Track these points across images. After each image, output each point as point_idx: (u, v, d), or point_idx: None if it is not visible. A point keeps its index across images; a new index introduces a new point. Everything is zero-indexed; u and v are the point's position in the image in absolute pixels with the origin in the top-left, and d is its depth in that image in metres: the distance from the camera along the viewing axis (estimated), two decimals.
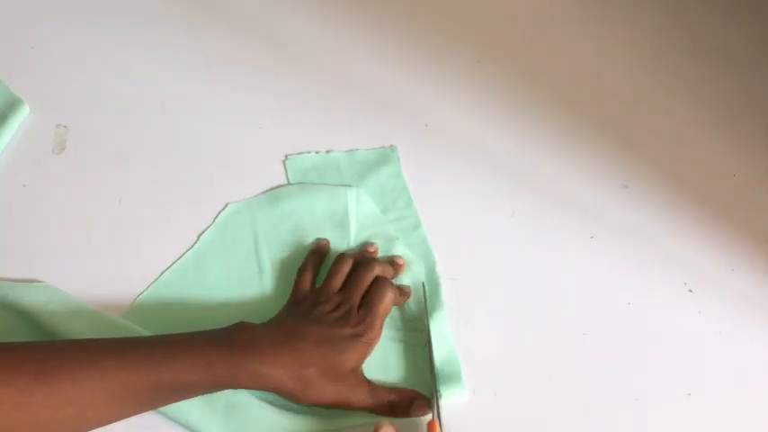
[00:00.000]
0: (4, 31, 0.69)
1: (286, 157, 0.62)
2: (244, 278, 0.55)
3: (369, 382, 0.48)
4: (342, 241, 0.57)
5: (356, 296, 0.51)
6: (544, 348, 0.53)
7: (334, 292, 0.52)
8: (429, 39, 0.73)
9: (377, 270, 0.53)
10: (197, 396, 0.46)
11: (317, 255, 0.55)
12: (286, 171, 0.61)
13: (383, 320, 0.51)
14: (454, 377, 0.50)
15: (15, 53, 0.67)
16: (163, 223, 0.58)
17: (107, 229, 0.57)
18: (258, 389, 0.45)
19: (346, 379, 0.47)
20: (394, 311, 0.53)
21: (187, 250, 0.56)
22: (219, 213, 0.58)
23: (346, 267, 0.53)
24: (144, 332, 0.50)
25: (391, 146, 0.63)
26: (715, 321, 0.55)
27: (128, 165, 0.61)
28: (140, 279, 0.54)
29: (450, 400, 0.49)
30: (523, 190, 0.62)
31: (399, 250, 0.56)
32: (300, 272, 0.54)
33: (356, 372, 0.48)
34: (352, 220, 0.58)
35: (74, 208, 0.58)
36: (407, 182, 0.61)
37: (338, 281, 0.53)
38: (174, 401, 0.45)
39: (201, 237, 0.56)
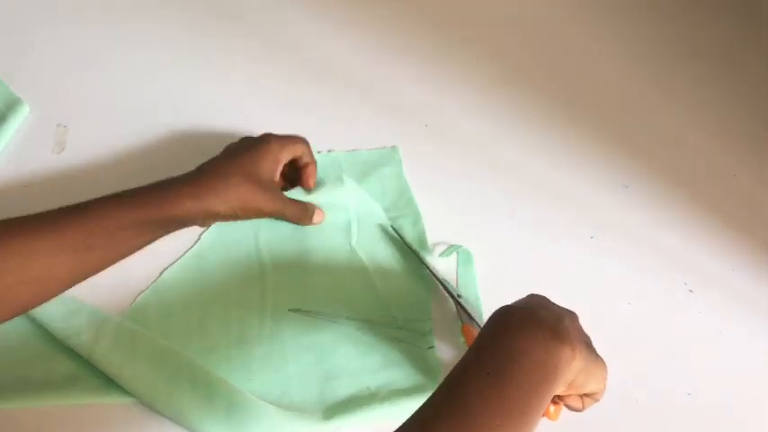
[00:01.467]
0: (4, 31, 0.69)
1: None
2: (245, 278, 0.55)
3: (279, 191, 0.54)
4: (344, 242, 0.57)
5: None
6: None
7: None
8: (429, 39, 0.73)
9: (306, 144, 0.57)
10: (138, 245, 0.49)
11: None
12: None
13: (294, 142, 0.55)
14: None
15: (15, 53, 0.67)
16: None
17: None
18: (191, 212, 0.49)
19: (265, 184, 0.52)
20: (395, 311, 0.53)
21: (187, 250, 0.56)
22: None
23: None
24: (143, 331, 0.50)
25: (393, 147, 0.63)
26: (715, 321, 0.55)
27: (128, 164, 0.61)
28: (140, 279, 0.54)
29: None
30: (523, 190, 0.62)
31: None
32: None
33: (273, 179, 0.53)
34: (353, 221, 0.58)
35: None
36: (408, 181, 0.61)
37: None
38: (114, 252, 0.47)
39: (202, 237, 0.56)
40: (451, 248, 0.57)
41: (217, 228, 0.57)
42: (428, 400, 0.35)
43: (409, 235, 0.58)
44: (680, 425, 0.50)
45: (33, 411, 0.47)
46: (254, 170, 0.52)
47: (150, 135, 0.63)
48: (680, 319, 0.55)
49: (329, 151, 0.62)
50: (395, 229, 0.57)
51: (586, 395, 0.43)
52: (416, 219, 0.59)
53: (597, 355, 0.41)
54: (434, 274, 0.54)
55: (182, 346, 0.49)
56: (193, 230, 0.57)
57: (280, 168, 0.54)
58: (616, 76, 0.71)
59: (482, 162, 0.63)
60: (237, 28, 0.71)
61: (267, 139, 0.54)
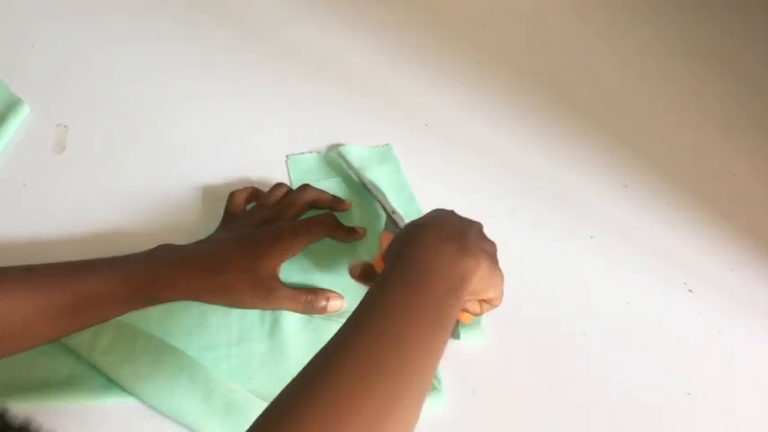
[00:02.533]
0: (4, 31, 0.69)
1: (287, 157, 0.62)
2: None
3: (285, 286, 0.50)
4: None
5: (286, 213, 0.53)
6: (544, 348, 0.53)
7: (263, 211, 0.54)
8: (429, 39, 0.73)
9: (312, 194, 0.54)
10: (121, 313, 0.46)
11: (254, 189, 0.57)
12: (288, 171, 0.61)
13: (308, 233, 0.52)
14: (474, 321, 0.52)
15: (15, 53, 0.67)
16: (163, 223, 0.58)
17: (107, 230, 0.57)
18: (179, 298, 0.47)
19: (263, 282, 0.48)
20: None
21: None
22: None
23: (280, 192, 0.55)
24: (143, 331, 0.50)
25: (386, 144, 0.63)
26: (715, 321, 0.55)
27: (128, 165, 0.61)
28: None
29: (470, 344, 0.52)
30: (523, 190, 0.62)
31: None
32: (233, 193, 0.56)
33: (273, 276, 0.49)
34: (354, 220, 0.58)
35: (74, 208, 0.58)
36: (406, 178, 0.61)
37: (270, 201, 0.55)
38: (97, 318, 0.45)
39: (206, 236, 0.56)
40: None
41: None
42: (352, 313, 0.37)
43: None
44: (680, 425, 0.50)
45: (33, 411, 0.47)
46: (253, 269, 0.48)
47: (150, 135, 0.63)
48: (680, 319, 0.55)
49: (328, 151, 0.62)
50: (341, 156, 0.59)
51: (485, 301, 0.46)
52: (418, 215, 0.59)
53: (497, 266, 0.45)
54: (373, 193, 0.56)
55: (182, 345, 0.49)
56: (194, 230, 0.57)
57: (282, 262, 0.50)
58: (616, 76, 0.71)
59: (482, 162, 0.63)
60: (239, 28, 0.71)
61: (279, 234, 0.50)
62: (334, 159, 0.62)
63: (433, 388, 0.50)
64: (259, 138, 0.63)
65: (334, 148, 0.62)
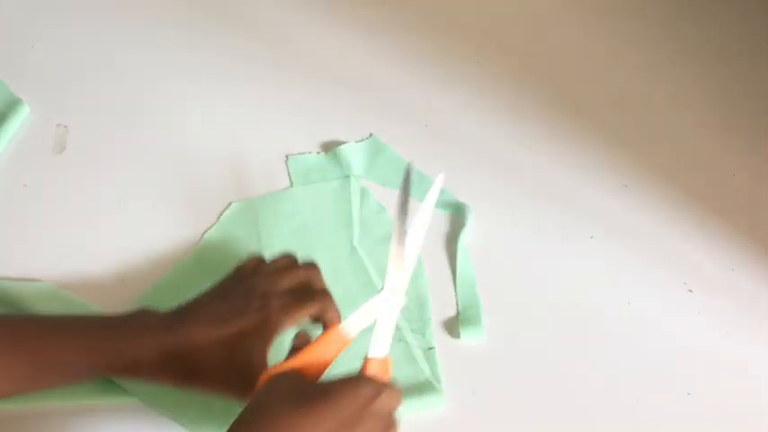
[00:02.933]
0: (4, 31, 0.69)
1: (287, 156, 0.62)
2: None
3: (255, 372, 0.41)
4: (345, 242, 0.57)
5: (280, 285, 0.46)
6: (544, 348, 0.53)
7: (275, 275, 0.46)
8: (429, 39, 0.73)
9: (316, 308, 0.45)
10: (84, 381, 0.45)
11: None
12: (288, 170, 0.61)
13: (300, 309, 0.45)
14: (475, 320, 0.52)
15: (15, 53, 0.67)
16: (164, 223, 0.57)
17: (108, 229, 0.57)
18: (144, 379, 0.43)
19: (247, 369, 0.42)
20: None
21: (189, 250, 0.56)
22: (223, 212, 0.58)
23: (291, 279, 0.47)
24: None
25: (370, 135, 0.63)
26: (715, 321, 0.55)
27: (128, 165, 0.61)
28: (142, 279, 0.54)
29: (469, 344, 0.52)
30: (523, 190, 0.62)
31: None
32: (240, 266, 0.49)
33: (259, 366, 0.42)
34: (355, 221, 0.58)
35: (74, 208, 0.58)
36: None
37: (282, 263, 0.48)
38: (56, 384, 0.44)
39: (205, 236, 0.56)
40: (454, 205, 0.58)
41: (220, 226, 0.57)
42: None
43: (444, 206, 0.59)
44: (680, 425, 0.50)
45: (33, 412, 0.47)
46: (233, 357, 0.42)
47: (150, 135, 0.63)
48: (680, 319, 0.55)
49: (327, 149, 0.62)
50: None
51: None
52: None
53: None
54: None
55: None
56: (194, 230, 0.57)
57: (267, 349, 0.43)
58: (616, 77, 0.71)
59: (482, 162, 0.63)
60: (238, 29, 0.71)
61: (267, 315, 0.44)
62: (334, 159, 0.62)
63: (434, 388, 0.50)
64: (259, 138, 0.63)
65: (334, 147, 0.62)
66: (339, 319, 0.46)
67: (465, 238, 0.57)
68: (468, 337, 0.52)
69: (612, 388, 0.51)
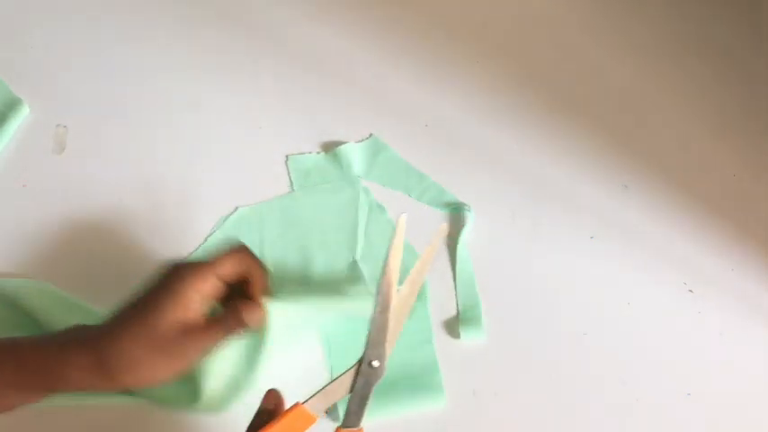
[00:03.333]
0: (3, 31, 0.69)
1: (287, 156, 0.62)
2: None
3: (195, 328, 0.41)
4: (348, 254, 0.57)
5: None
6: (544, 348, 0.53)
7: None
8: (429, 39, 0.73)
9: (233, 260, 0.43)
10: (18, 405, 0.42)
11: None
12: (288, 171, 0.61)
13: (211, 268, 0.42)
14: (475, 320, 0.53)
15: (15, 53, 0.67)
16: (163, 224, 0.58)
17: (107, 230, 0.57)
18: (75, 389, 0.41)
19: (175, 339, 0.40)
20: None
21: (191, 252, 0.56)
22: (228, 216, 0.58)
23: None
24: None
25: (370, 135, 0.63)
26: (715, 321, 0.55)
27: (128, 165, 0.61)
28: (140, 280, 0.54)
29: (469, 344, 0.52)
30: (523, 190, 0.62)
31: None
32: None
33: (181, 329, 0.41)
34: (360, 234, 0.58)
35: (74, 208, 0.58)
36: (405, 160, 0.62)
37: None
38: (17, 402, 0.42)
39: (208, 239, 0.56)
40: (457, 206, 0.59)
41: (224, 231, 0.57)
42: None
43: (444, 206, 0.59)
44: (680, 425, 0.50)
45: (34, 412, 0.47)
46: (154, 332, 0.40)
47: (150, 135, 0.63)
48: (680, 319, 0.55)
49: (328, 151, 0.62)
50: None
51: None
52: (439, 188, 0.60)
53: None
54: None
55: None
56: (192, 231, 0.57)
57: (193, 305, 0.41)
58: (616, 76, 0.71)
59: (482, 162, 0.63)
60: (238, 28, 0.71)
61: (177, 270, 0.42)
62: (334, 159, 0.62)
63: (435, 387, 0.50)
64: (258, 137, 0.63)
65: (334, 147, 0.62)
66: (260, 272, 0.44)
67: (465, 238, 0.57)
68: (468, 337, 0.52)
69: (612, 388, 0.51)
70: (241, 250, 0.44)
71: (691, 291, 0.57)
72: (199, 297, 0.41)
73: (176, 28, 0.71)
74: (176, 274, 0.42)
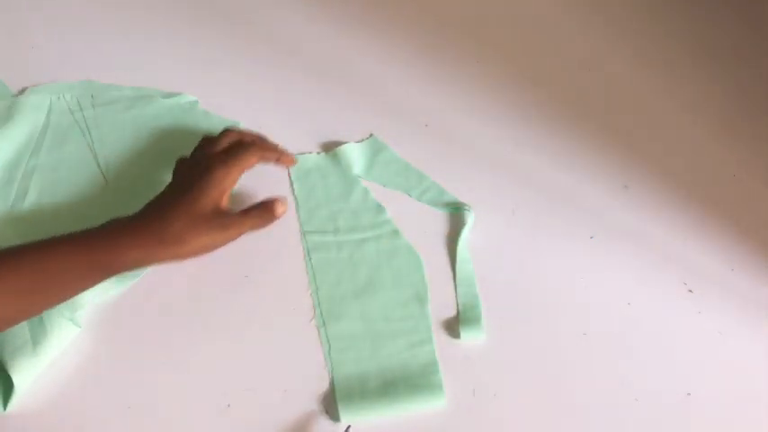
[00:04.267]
0: (4, 31, 0.69)
1: None
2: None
3: (230, 213, 0.50)
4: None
5: (213, 149, 0.53)
6: (544, 348, 0.53)
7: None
8: (429, 39, 0.73)
9: (255, 155, 0.52)
10: (82, 288, 0.47)
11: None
12: (288, 170, 0.61)
13: (236, 157, 0.51)
14: (475, 320, 0.53)
15: (15, 53, 0.67)
16: None
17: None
18: (133, 266, 0.47)
19: (212, 220, 0.48)
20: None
21: None
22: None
23: (227, 141, 0.53)
24: None
25: (370, 135, 0.64)
26: (715, 321, 0.55)
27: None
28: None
29: (469, 344, 0.52)
30: (523, 190, 0.62)
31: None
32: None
33: (219, 210, 0.49)
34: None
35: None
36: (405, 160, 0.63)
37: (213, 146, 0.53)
38: (57, 296, 0.46)
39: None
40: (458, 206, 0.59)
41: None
42: None
43: (444, 206, 0.60)
44: (680, 425, 0.50)
45: (37, 411, 0.47)
46: (196, 209, 0.48)
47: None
48: (680, 319, 0.55)
49: (328, 151, 0.62)
50: None
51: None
52: (439, 188, 0.61)
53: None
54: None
55: None
56: None
57: (227, 193, 0.51)
58: (616, 76, 0.71)
59: (482, 162, 0.63)
60: (238, 28, 0.71)
61: (210, 167, 0.50)
62: (334, 159, 0.62)
63: (434, 387, 0.50)
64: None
65: (334, 147, 0.62)
66: (277, 155, 0.55)
67: (465, 238, 0.57)
68: (468, 337, 0.52)
69: (612, 388, 0.51)
70: (262, 143, 0.54)
71: (691, 291, 0.57)
72: (230, 187, 0.50)
73: (176, 28, 0.71)
74: (211, 165, 0.50)
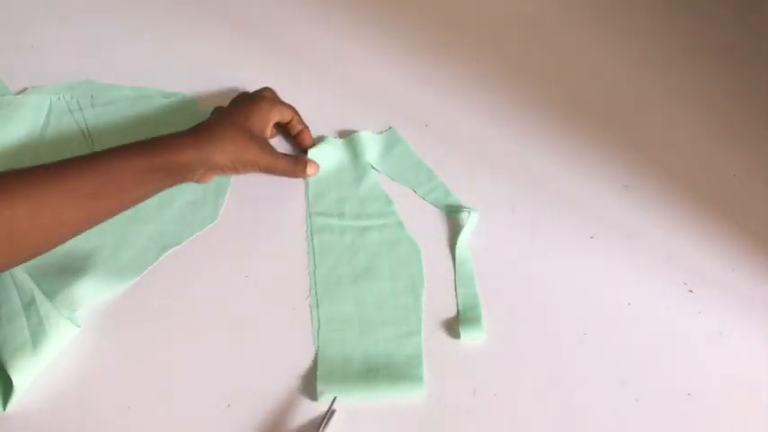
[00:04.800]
0: (4, 31, 0.69)
1: None
2: None
3: (271, 146, 0.58)
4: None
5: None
6: (544, 348, 0.53)
7: None
8: (429, 39, 0.73)
9: (292, 111, 0.62)
10: (145, 194, 0.51)
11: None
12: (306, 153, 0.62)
13: (282, 104, 0.60)
14: (475, 320, 0.53)
15: (15, 53, 0.67)
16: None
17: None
18: (196, 166, 0.52)
19: (257, 138, 0.56)
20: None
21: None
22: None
23: (269, 92, 0.62)
24: None
25: (390, 128, 0.64)
26: (715, 321, 0.55)
27: None
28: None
29: (469, 344, 0.52)
30: (523, 190, 0.62)
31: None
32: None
33: (263, 136, 0.58)
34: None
35: None
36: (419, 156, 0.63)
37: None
38: (119, 202, 0.49)
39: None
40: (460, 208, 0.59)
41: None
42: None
43: (447, 207, 0.60)
44: (680, 425, 0.50)
45: (37, 411, 0.47)
46: (246, 125, 0.55)
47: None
48: (680, 319, 0.55)
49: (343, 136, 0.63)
50: None
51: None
52: (445, 189, 0.61)
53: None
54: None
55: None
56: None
57: (269, 126, 0.59)
58: (616, 76, 0.71)
59: (482, 162, 0.63)
60: (239, 28, 0.72)
61: (258, 97, 0.59)
62: (349, 144, 0.63)
63: (415, 378, 0.50)
64: None
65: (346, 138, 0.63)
66: (306, 127, 0.62)
67: (465, 238, 0.57)
68: (468, 337, 0.52)
69: (612, 388, 0.51)
70: (294, 109, 0.62)
71: (691, 291, 0.57)
72: (273, 120, 0.59)
73: (177, 28, 0.71)
74: (260, 99, 0.59)
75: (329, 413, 0.47)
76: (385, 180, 0.61)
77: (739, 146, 0.66)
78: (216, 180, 0.59)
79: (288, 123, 0.62)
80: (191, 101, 0.65)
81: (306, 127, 0.62)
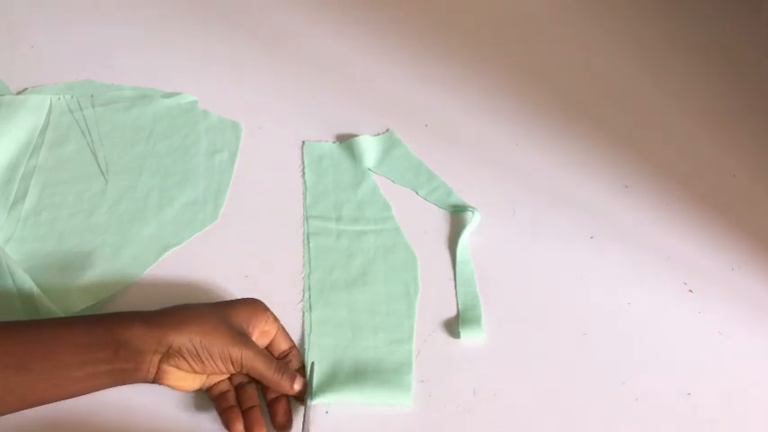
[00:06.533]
0: (4, 31, 0.69)
1: (303, 142, 0.63)
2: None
3: (257, 347, 0.46)
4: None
5: None
6: (544, 348, 0.53)
7: None
8: (429, 39, 0.73)
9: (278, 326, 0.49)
10: (101, 379, 0.43)
11: None
12: (302, 155, 0.62)
13: (273, 319, 0.49)
14: (475, 320, 0.53)
15: (15, 53, 0.67)
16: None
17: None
18: (156, 346, 0.43)
19: (231, 330, 0.44)
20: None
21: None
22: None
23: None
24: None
25: (388, 130, 0.64)
26: (715, 321, 0.55)
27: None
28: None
29: (469, 344, 0.52)
30: (523, 190, 0.62)
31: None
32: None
33: (240, 329, 0.45)
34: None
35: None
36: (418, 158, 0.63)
37: None
38: (77, 374, 0.42)
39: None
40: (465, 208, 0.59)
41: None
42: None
43: (449, 207, 0.60)
44: (680, 425, 0.50)
45: (37, 411, 0.47)
46: (223, 311, 0.45)
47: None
48: (680, 319, 0.55)
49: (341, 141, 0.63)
50: None
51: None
52: (447, 189, 0.61)
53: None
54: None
55: None
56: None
57: (257, 326, 0.47)
58: (616, 76, 0.71)
59: (482, 162, 0.63)
60: (239, 28, 0.72)
61: (256, 301, 0.48)
62: (348, 149, 0.62)
63: (403, 387, 0.49)
64: (258, 137, 0.63)
65: (345, 140, 0.63)
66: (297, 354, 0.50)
67: (465, 238, 0.57)
68: (468, 337, 0.52)
69: (612, 388, 0.51)
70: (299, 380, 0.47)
71: (691, 291, 0.57)
72: (262, 331, 0.47)
73: (177, 28, 0.71)
74: (259, 302, 0.48)
75: (306, 409, 0.47)
76: (385, 181, 0.61)
77: (739, 146, 0.66)
78: (216, 180, 0.59)
79: (282, 355, 0.49)
80: (191, 101, 0.65)
81: (286, 381, 0.47)
